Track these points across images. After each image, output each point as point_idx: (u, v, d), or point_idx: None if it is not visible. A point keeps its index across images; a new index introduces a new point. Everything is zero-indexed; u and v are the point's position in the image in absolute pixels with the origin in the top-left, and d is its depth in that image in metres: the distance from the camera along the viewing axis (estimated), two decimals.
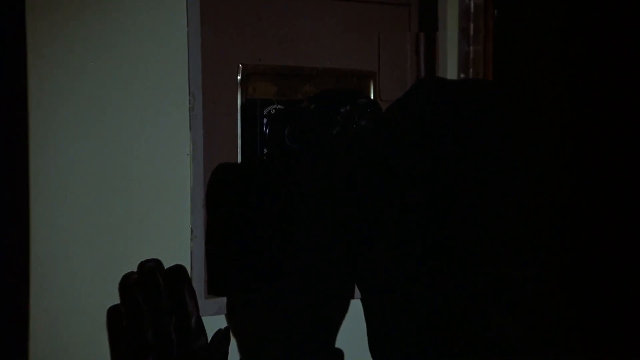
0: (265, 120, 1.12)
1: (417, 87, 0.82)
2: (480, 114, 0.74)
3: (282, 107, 1.12)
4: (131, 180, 1.04)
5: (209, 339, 0.83)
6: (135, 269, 0.83)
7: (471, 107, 0.74)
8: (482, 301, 0.66)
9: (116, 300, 0.82)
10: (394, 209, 0.75)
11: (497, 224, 0.67)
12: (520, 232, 0.67)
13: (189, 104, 1.07)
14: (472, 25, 1.21)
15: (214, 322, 0.93)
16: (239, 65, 1.14)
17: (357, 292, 0.90)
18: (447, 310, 0.68)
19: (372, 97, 1.20)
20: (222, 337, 0.84)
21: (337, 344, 0.94)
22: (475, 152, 0.70)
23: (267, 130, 1.11)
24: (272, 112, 1.12)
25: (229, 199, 1.12)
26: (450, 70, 1.25)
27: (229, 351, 0.86)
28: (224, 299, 1.09)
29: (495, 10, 1.21)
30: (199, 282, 1.06)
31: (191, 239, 1.07)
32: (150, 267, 0.82)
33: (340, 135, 0.95)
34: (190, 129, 1.07)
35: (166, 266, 0.83)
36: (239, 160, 1.14)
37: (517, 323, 0.65)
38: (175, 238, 1.07)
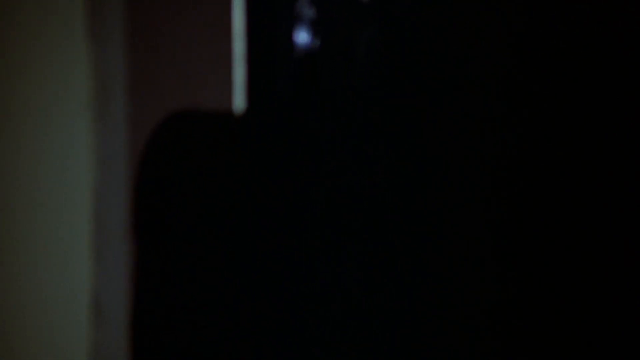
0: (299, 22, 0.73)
1: None
2: None
3: None
4: None
5: None
6: None
7: None
8: None
9: None
10: None
11: None
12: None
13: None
14: None
15: None
16: None
17: None
18: None
19: None
20: None
21: None
22: None
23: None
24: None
25: (196, 222, 0.72)
26: None
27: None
28: None
29: None
30: None
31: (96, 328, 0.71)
32: None
33: None
34: (89, 76, 0.61)
35: None
36: (235, 116, 0.69)
37: None
38: (62, 317, 0.71)
